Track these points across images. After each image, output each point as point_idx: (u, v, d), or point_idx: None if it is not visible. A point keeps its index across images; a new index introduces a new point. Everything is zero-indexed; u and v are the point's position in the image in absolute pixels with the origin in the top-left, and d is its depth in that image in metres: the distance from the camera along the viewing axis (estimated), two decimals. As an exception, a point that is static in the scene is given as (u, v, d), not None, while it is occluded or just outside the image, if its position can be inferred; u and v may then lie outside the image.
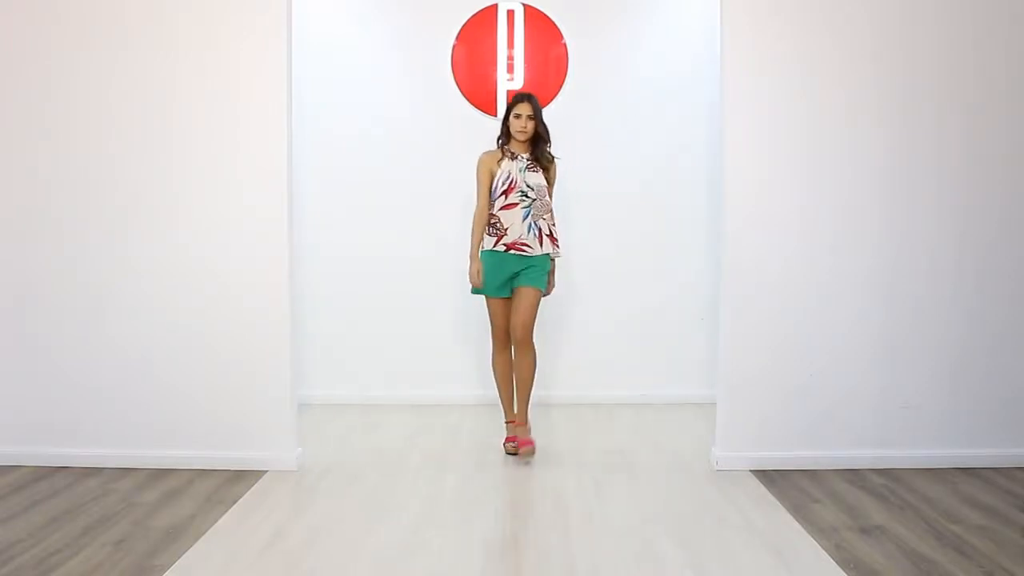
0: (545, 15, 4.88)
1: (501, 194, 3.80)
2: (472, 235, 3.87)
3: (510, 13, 4.89)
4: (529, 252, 3.80)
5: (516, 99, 3.86)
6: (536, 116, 3.81)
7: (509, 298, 3.85)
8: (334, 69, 4.91)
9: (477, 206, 3.87)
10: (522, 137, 3.83)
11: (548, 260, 3.88)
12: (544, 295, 3.90)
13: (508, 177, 3.80)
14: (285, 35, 3.54)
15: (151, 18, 3.57)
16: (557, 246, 3.89)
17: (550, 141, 3.87)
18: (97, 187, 3.59)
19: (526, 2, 4.88)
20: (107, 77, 3.58)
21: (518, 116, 3.81)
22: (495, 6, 4.89)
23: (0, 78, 3.61)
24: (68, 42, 3.58)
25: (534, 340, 3.82)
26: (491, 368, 4.00)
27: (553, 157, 3.88)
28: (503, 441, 3.96)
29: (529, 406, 3.88)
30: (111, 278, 3.61)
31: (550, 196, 3.88)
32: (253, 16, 3.54)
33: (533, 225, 3.80)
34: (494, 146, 3.91)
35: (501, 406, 4.03)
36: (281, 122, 3.55)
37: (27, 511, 3.10)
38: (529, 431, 3.85)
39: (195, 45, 3.56)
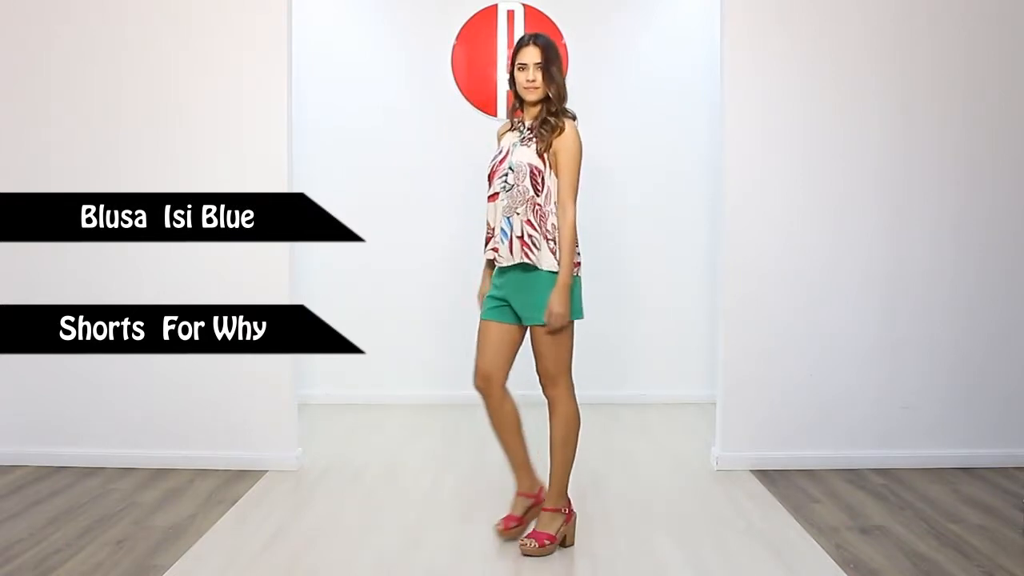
0: (545, 15, 4.88)
1: (488, 179, 2.84)
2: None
3: (510, 13, 4.89)
4: (500, 261, 2.80)
5: (520, 43, 2.78)
6: (546, 66, 2.73)
7: (509, 324, 2.82)
8: (334, 69, 4.90)
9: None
10: (531, 96, 2.76)
11: (536, 274, 2.77)
12: (548, 330, 2.75)
13: (499, 155, 2.83)
14: (285, 35, 3.55)
15: (151, 18, 3.57)
16: (556, 257, 2.76)
17: (565, 99, 2.80)
18: (98, 184, 3.58)
19: (526, 2, 4.87)
20: (110, 76, 3.58)
21: (522, 67, 2.75)
22: (495, 6, 4.88)
23: (7, 74, 3.61)
24: (68, 42, 3.58)
25: (572, 389, 2.86)
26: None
27: (557, 124, 2.78)
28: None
29: (567, 483, 2.83)
30: (111, 276, 3.61)
31: (564, 177, 2.79)
32: (253, 15, 3.55)
33: (506, 222, 2.77)
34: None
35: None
36: (281, 122, 3.55)
37: (27, 511, 3.10)
38: (555, 519, 2.77)
39: (195, 45, 3.57)
